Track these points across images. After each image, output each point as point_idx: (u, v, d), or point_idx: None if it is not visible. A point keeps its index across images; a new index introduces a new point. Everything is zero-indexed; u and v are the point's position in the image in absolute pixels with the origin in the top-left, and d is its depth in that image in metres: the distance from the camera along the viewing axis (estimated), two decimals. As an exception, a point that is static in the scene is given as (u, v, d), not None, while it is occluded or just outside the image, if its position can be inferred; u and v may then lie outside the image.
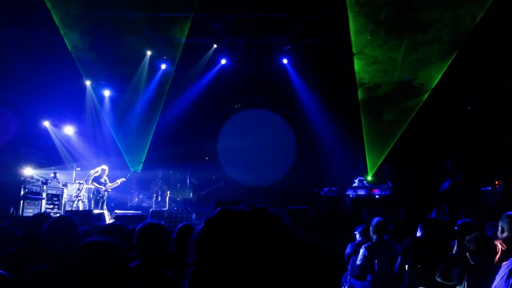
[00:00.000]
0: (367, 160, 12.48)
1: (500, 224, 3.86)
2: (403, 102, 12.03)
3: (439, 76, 11.18)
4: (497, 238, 4.09)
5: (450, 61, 10.83)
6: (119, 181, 10.30)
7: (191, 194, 12.30)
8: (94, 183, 10.00)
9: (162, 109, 13.37)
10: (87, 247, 1.91)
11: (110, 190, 10.29)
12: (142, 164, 12.99)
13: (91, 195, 10.28)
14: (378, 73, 11.81)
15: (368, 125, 12.28)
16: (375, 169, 12.40)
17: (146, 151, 13.13)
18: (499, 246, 3.59)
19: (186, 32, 11.61)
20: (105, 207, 10.03)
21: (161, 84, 13.51)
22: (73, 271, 1.86)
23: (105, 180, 10.19)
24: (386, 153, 12.23)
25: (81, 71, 12.23)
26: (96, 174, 10.06)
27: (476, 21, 9.95)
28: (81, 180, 10.41)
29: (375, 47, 11.31)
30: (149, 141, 13.16)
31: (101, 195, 10.02)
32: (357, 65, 11.68)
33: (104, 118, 13.42)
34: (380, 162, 12.35)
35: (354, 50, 11.36)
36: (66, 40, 11.08)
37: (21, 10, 10.19)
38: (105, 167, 10.29)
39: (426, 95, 11.62)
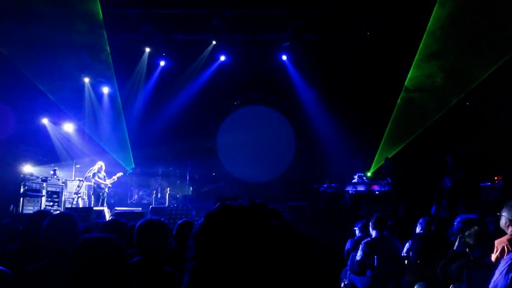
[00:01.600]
0: (376, 156, 12.52)
1: (507, 215, 3.59)
2: (430, 105, 12.04)
3: (476, 83, 11.09)
4: (499, 232, 4.06)
5: (491, 71, 10.64)
6: (115, 177, 10.35)
7: (191, 190, 12.33)
8: (97, 179, 10.02)
9: (161, 105, 13.37)
10: (86, 243, 1.91)
11: (110, 185, 10.32)
12: (132, 162, 13.02)
13: (91, 192, 10.29)
14: (426, 77, 11.84)
15: (394, 124, 12.31)
16: (380, 165, 12.44)
17: (130, 149, 13.17)
18: (506, 247, 3.48)
19: (185, 29, 11.60)
20: (105, 203, 10.05)
21: (160, 81, 13.50)
22: (72, 267, 1.87)
23: (104, 176, 10.21)
24: (396, 151, 12.27)
25: (80, 68, 12.23)
26: (94, 171, 10.08)
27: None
28: (81, 177, 10.42)
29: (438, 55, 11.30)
30: (128, 140, 13.15)
31: (102, 191, 10.05)
32: (415, 69, 11.64)
33: (103, 115, 13.43)
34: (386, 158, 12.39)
35: (417, 56, 11.33)
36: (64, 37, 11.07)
37: (20, 7, 10.16)
38: (101, 163, 10.30)
39: (455, 101, 11.62)
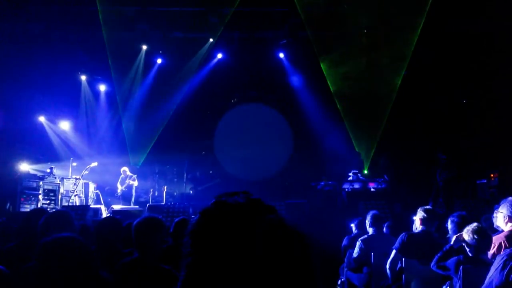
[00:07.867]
0: (357, 151, 12.58)
1: (506, 211, 3.59)
2: (378, 95, 12.11)
3: (403, 71, 11.42)
4: (493, 230, 4.08)
5: (411, 52, 11.06)
6: (134, 177, 10.85)
7: (188, 188, 12.34)
8: (127, 180, 10.59)
9: (158, 103, 13.33)
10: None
11: (137, 183, 10.79)
12: (143, 160, 13.03)
13: (122, 191, 10.70)
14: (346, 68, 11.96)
15: (350, 120, 12.43)
16: (369, 162, 12.45)
17: (151, 146, 13.21)
18: (503, 243, 3.50)
19: (182, 27, 11.58)
20: (102, 201, 10.06)
21: (157, 79, 13.45)
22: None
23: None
24: (375, 147, 12.28)
25: (77, 66, 12.20)
26: (122, 176, 10.73)
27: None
28: (78, 175, 10.38)
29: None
30: (155, 137, 13.23)
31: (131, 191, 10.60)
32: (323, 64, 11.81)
33: (100, 113, 13.39)
34: (371, 155, 12.40)
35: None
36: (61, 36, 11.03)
37: (16, 4, 10.11)
38: (125, 168, 10.88)
39: (397, 87, 11.79)
